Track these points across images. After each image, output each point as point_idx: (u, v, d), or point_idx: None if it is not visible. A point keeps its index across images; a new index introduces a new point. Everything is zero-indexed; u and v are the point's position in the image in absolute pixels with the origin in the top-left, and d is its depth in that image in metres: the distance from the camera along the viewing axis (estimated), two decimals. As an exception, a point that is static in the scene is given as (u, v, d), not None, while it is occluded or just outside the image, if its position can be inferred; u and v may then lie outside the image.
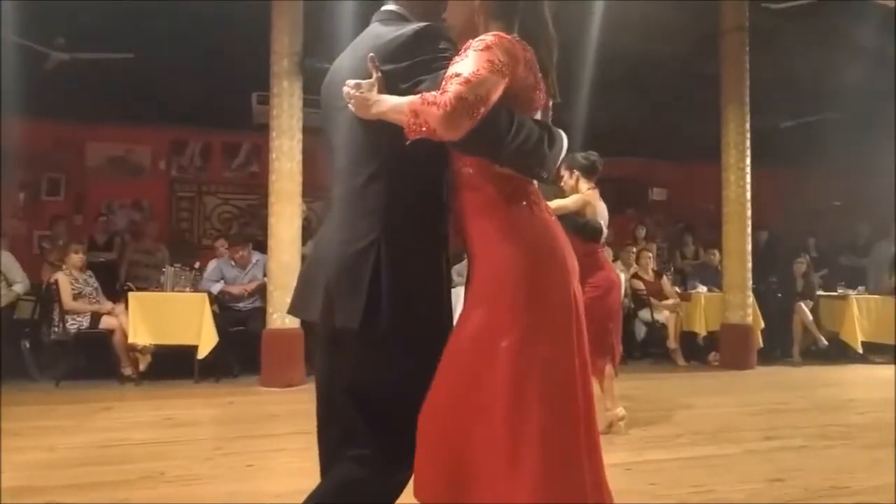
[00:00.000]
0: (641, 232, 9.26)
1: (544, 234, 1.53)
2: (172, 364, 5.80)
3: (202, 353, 5.66)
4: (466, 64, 1.37)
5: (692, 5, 6.20)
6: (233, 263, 6.34)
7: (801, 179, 10.39)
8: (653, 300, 7.35)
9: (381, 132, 1.45)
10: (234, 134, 9.28)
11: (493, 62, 1.38)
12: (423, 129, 1.36)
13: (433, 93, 1.35)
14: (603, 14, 5.95)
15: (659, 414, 4.53)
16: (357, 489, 1.50)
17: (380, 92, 1.45)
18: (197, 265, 6.91)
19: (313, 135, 7.40)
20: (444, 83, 1.36)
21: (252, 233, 7.06)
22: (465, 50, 1.42)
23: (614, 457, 3.20)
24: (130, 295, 5.73)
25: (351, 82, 1.46)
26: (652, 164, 10.50)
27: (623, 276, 7.39)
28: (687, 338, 7.37)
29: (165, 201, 9.32)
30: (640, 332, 7.36)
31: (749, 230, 6.97)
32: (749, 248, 6.97)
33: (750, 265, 6.95)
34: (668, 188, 11.17)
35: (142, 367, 5.72)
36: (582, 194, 4.00)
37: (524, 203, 1.52)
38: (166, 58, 6.53)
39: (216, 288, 6.13)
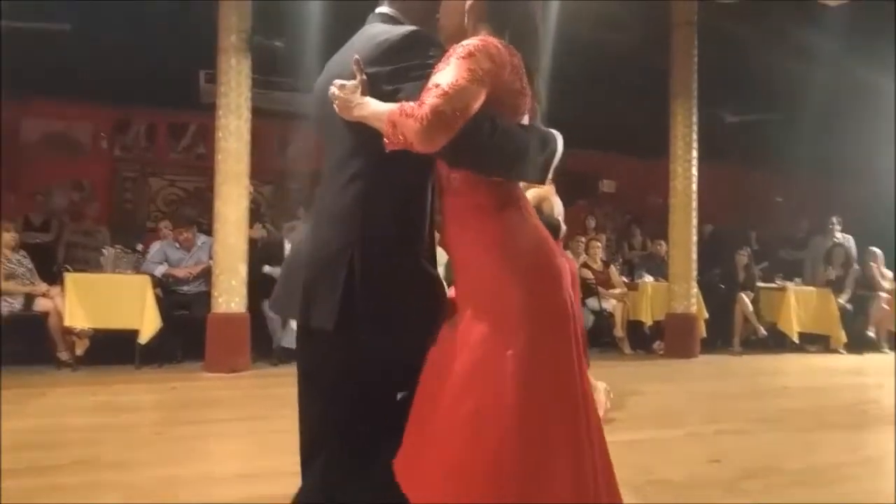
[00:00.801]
0: (591, 223, 9.40)
1: (536, 238, 1.50)
2: (113, 349, 5.60)
3: (144, 338, 5.49)
4: (446, 74, 1.33)
5: (644, -2, 6.29)
6: (177, 245, 6.15)
7: (745, 175, 10.71)
8: (600, 289, 7.46)
9: (364, 134, 1.43)
10: (180, 114, 9.00)
11: (474, 71, 1.34)
12: (401, 140, 1.33)
13: (412, 104, 1.32)
14: (556, 5, 5.97)
15: (604, 399, 4.60)
16: (332, 492, 1.51)
17: (363, 94, 1.42)
18: (140, 247, 6.71)
19: (262, 116, 7.27)
20: (423, 94, 1.32)
21: (196, 215, 6.84)
22: (448, 57, 1.38)
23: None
24: (67, 276, 5.49)
25: (337, 83, 1.45)
26: (602, 157, 10.63)
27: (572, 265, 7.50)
28: (633, 326, 7.51)
29: (107, 182, 8.99)
30: (588, 320, 7.45)
31: (695, 222, 7.14)
32: (694, 239, 7.14)
33: (695, 256, 7.13)
34: (617, 181, 11.35)
35: (79, 351, 5.50)
36: (538, 189, 3.98)
37: (513, 208, 1.50)
38: (109, 31, 6.27)
39: (159, 270, 5.94)
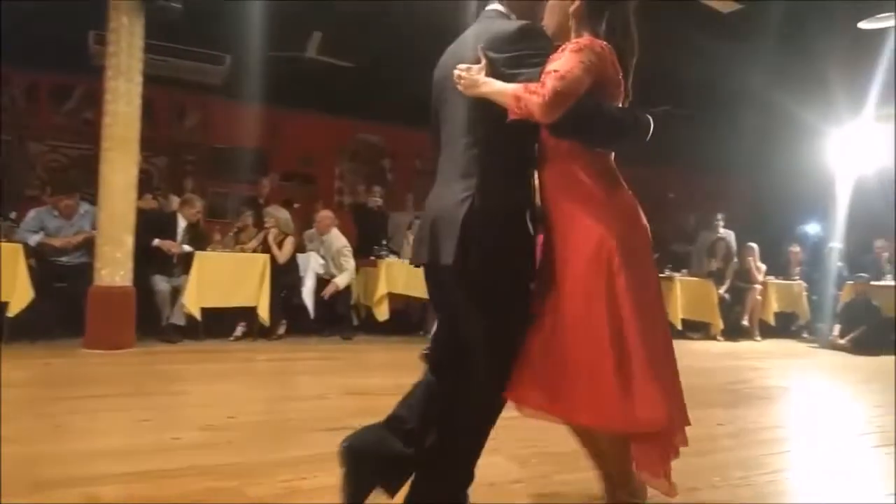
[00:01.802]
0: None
1: (630, 202, 1.86)
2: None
3: (13, 311, 5.08)
4: (562, 62, 1.67)
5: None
6: (56, 213, 5.72)
7: (641, 171, 11.17)
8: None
9: (482, 110, 1.76)
10: (65, 75, 8.38)
11: (584, 62, 1.68)
12: (524, 112, 1.66)
13: (535, 84, 1.65)
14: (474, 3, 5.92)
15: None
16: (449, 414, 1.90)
17: (487, 76, 1.74)
18: (13, 215, 6.21)
19: (157, 83, 6.86)
20: (543, 76, 1.65)
21: (79, 182, 6.39)
22: (562, 50, 1.72)
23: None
24: (-78, 243, 5.00)
25: (462, 66, 1.77)
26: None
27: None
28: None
29: (-23, 144, 8.24)
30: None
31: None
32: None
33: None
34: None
35: (-64, 324, 5.03)
36: None
37: (609, 175, 1.85)
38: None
39: (34, 239, 5.49)
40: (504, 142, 1.82)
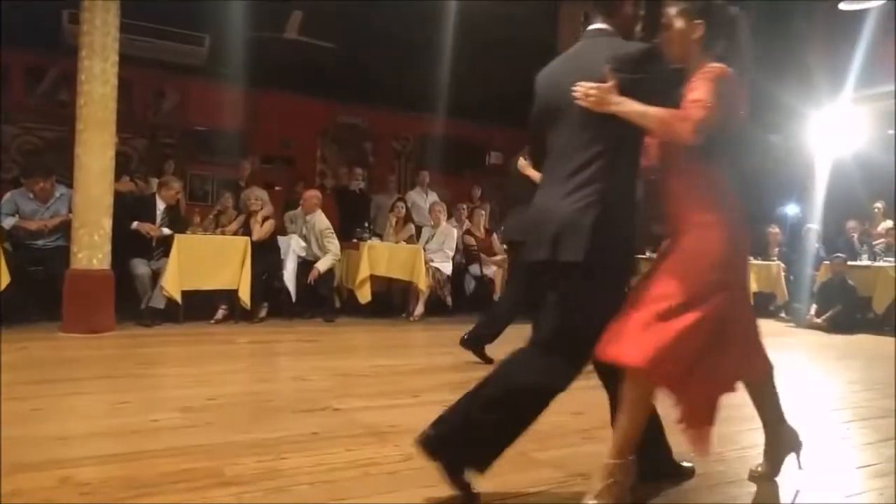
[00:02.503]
0: (477, 192, 9.55)
1: (740, 213, 2.06)
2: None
3: (-12, 295, 5.01)
4: (704, 91, 1.87)
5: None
6: (31, 196, 5.63)
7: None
8: (483, 256, 7.62)
9: (606, 125, 1.93)
10: (39, 56, 8.22)
11: (720, 91, 1.88)
12: (667, 134, 1.89)
13: (681, 111, 1.86)
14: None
15: (480, 359, 4.69)
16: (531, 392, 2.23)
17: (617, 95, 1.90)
18: (-14, 198, 6.10)
19: (136, 65, 6.75)
20: (687, 103, 1.87)
21: (54, 164, 6.28)
22: (699, 79, 1.93)
23: (435, 396, 3.32)
24: None
25: (588, 84, 1.92)
26: (492, 130, 10.77)
27: (455, 232, 7.59)
28: (513, 293, 7.71)
29: (-51, 126, 8.07)
30: (470, 285, 7.63)
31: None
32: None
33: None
34: (504, 153, 11.55)
35: None
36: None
37: (727, 187, 2.06)
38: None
39: (8, 222, 5.42)
40: (625, 153, 2.02)
